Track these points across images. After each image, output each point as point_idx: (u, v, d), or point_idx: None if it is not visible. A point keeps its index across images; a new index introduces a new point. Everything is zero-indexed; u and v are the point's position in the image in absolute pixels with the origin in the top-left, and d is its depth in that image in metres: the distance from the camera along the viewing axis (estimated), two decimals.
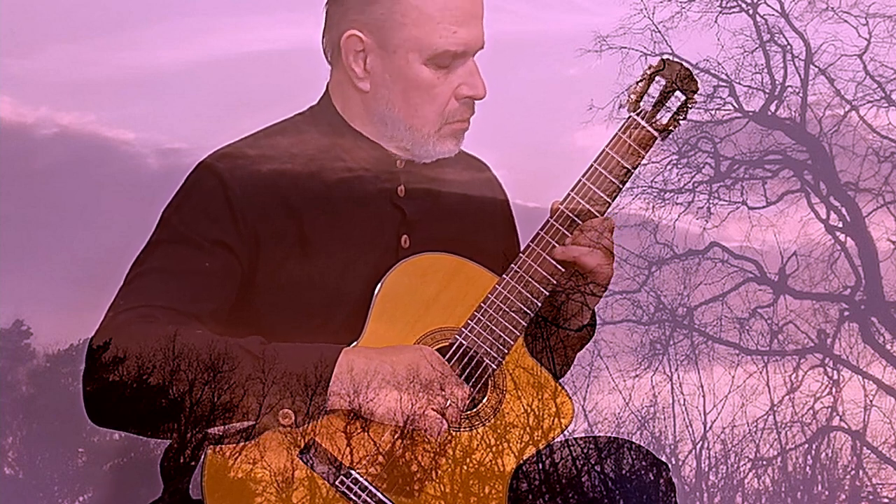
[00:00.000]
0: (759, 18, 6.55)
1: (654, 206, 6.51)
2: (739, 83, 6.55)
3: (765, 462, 6.37)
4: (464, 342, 2.89)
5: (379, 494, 2.80)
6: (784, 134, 6.52)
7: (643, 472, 2.99)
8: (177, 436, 2.84)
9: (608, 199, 2.94)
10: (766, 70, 6.57)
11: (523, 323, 2.91)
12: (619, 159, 2.94)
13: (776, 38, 6.55)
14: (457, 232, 3.02)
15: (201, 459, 2.77)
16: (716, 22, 6.47)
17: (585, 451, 2.99)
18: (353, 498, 2.79)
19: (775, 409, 6.38)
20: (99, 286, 3.03)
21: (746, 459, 6.38)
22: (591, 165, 2.93)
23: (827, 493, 6.32)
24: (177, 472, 2.84)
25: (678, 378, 6.44)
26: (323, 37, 3.00)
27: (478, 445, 2.88)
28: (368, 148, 2.99)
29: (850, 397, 6.41)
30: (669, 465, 3.06)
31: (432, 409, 2.82)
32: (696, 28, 6.44)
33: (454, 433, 2.86)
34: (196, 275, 2.86)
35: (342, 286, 2.91)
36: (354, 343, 2.85)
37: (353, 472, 2.80)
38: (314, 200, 2.95)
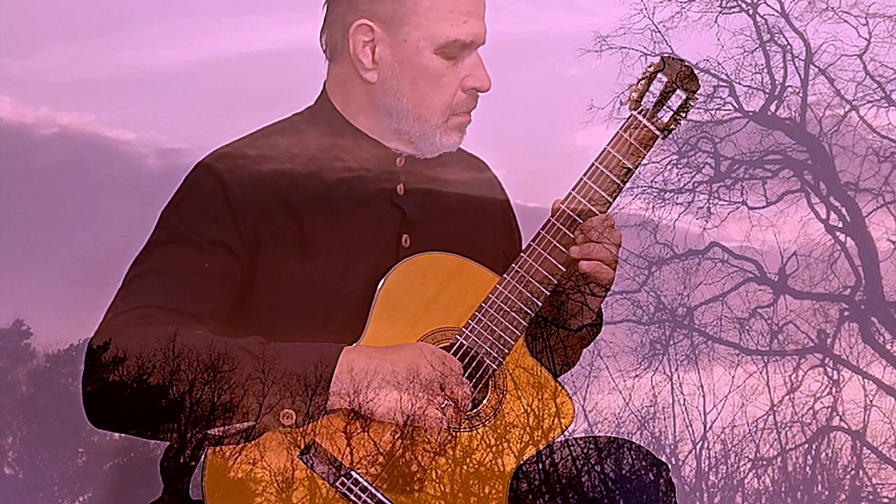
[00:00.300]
0: (759, 18, 6.55)
1: (654, 206, 6.52)
2: (739, 83, 6.56)
3: (765, 462, 6.37)
4: (464, 342, 2.89)
5: (379, 495, 2.80)
6: (784, 134, 6.52)
7: (643, 472, 2.99)
8: (177, 436, 2.84)
9: (609, 199, 2.94)
10: (766, 70, 6.57)
11: (524, 323, 2.91)
12: (621, 158, 2.94)
13: (776, 38, 6.55)
14: (457, 231, 3.02)
15: (201, 459, 2.77)
16: (716, 22, 6.47)
17: (585, 451, 2.99)
18: (354, 498, 2.79)
19: (775, 409, 6.38)
20: (99, 286, 3.03)
21: (746, 459, 6.38)
22: (593, 164, 2.93)
23: (827, 493, 6.32)
24: (177, 472, 2.84)
25: (678, 378, 6.44)
26: (322, 34, 3.00)
27: (478, 445, 2.88)
28: (368, 147, 2.99)
29: (850, 397, 6.41)
30: (669, 465, 3.06)
31: (432, 408, 2.82)
32: (696, 28, 6.44)
33: (454, 433, 2.86)
34: (196, 275, 2.86)
35: (342, 286, 2.91)
36: (355, 343, 2.85)
37: (353, 472, 2.80)
38: (314, 200, 2.95)
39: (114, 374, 2.81)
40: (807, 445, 6.37)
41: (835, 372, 6.46)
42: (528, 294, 2.91)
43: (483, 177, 3.15)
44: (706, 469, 6.38)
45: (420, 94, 2.94)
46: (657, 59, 2.99)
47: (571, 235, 2.93)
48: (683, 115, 2.98)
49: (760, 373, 6.43)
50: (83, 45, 5.18)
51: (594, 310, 3.03)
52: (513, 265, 2.92)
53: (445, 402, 2.83)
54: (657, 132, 2.96)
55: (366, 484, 2.80)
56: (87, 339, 2.84)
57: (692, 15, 6.45)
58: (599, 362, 6.27)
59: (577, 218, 2.93)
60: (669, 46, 6.38)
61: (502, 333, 2.90)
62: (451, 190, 3.06)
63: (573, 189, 2.94)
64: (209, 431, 2.81)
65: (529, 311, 2.91)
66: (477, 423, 2.89)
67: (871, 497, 6.29)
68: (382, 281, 2.90)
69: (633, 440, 4.92)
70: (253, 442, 2.78)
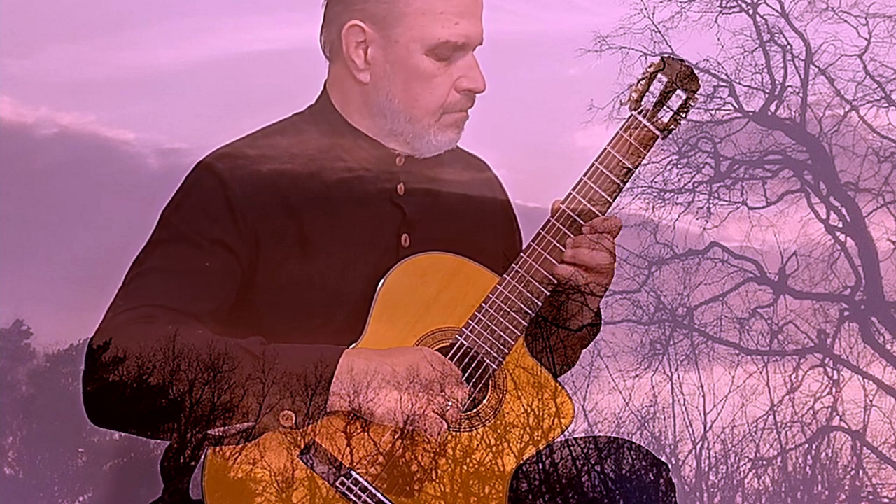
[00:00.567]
0: (759, 18, 6.56)
1: (654, 206, 6.52)
2: (739, 83, 6.56)
3: (765, 462, 6.37)
4: (464, 342, 2.89)
5: (379, 495, 2.80)
6: (784, 134, 6.52)
7: (643, 472, 2.99)
8: (177, 436, 2.84)
9: (609, 199, 2.93)
10: (766, 70, 6.57)
11: (524, 323, 2.91)
12: (621, 158, 2.93)
13: (776, 38, 6.55)
14: (457, 231, 3.02)
15: (201, 459, 2.77)
16: (716, 22, 6.47)
17: (585, 451, 2.99)
18: (354, 498, 2.79)
19: (775, 409, 6.38)
20: (99, 286, 3.03)
21: (746, 459, 6.38)
22: (593, 164, 2.93)
23: (827, 493, 6.32)
24: (177, 472, 2.83)
25: (678, 378, 6.44)
26: (321, 33, 3.00)
27: (478, 445, 2.88)
28: (368, 147, 2.99)
29: (850, 397, 6.41)
30: (669, 465, 3.06)
31: (432, 409, 2.82)
32: (696, 28, 6.44)
33: (454, 433, 2.86)
34: (196, 274, 2.86)
35: (342, 286, 2.91)
36: (355, 343, 2.85)
37: (353, 472, 2.80)
38: (314, 200, 2.95)
39: (114, 374, 2.81)
40: (807, 445, 6.37)
41: (835, 372, 6.46)
42: (528, 294, 2.91)
43: (483, 176, 3.15)
44: (706, 469, 6.39)
45: (412, 95, 2.94)
46: (657, 59, 2.99)
47: (571, 235, 2.93)
48: (683, 115, 2.97)
49: (760, 373, 6.44)
50: (83, 45, 5.18)
51: (593, 310, 3.03)
52: (513, 265, 2.92)
53: (448, 402, 2.83)
54: (657, 132, 2.96)
55: (366, 484, 2.80)
56: (87, 339, 2.84)
57: (692, 15, 6.45)
58: (599, 362, 6.28)
59: (577, 218, 2.93)
60: (669, 46, 6.38)
61: (502, 333, 2.90)
62: (451, 190, 3.06)
63: (573, 189, 2.94)
64: (209, 431, 2.81)
65: (529, 311, 2.91)
66: (477, 423, 2.89)
67: (871, 497, 6.29)
68: (382, 281, 2.90)
69: (633, 440, 4.92)
70: (253, 442, 2.78)
